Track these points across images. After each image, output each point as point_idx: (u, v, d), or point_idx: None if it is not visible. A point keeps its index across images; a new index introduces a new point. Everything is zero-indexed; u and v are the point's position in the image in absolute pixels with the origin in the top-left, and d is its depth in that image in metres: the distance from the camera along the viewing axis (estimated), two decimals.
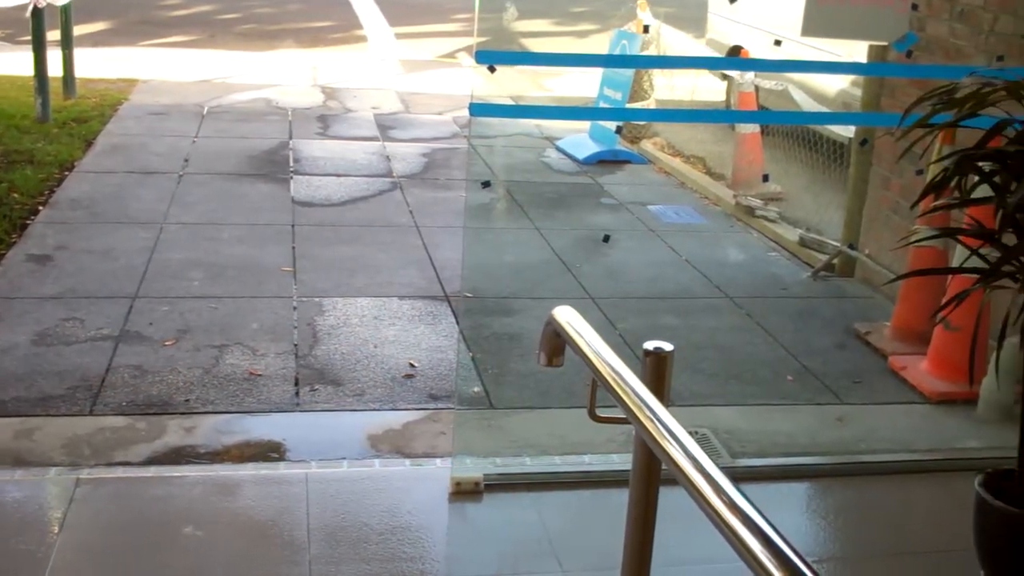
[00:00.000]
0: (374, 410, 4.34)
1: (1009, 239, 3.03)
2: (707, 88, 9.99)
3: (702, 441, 4.05)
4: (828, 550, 3.54)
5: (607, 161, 8.58)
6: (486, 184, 6.98)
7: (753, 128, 7.98)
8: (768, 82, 8.14)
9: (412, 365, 4.73)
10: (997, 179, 3.05)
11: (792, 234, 6.85)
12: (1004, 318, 3.01)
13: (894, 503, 3.82)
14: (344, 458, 3.90)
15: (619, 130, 8.56)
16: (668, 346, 2.18)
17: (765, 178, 7.37)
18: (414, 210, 7.05)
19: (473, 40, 3.70)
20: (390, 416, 4.30)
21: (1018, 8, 4.85)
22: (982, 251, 3.22)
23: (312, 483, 3.64)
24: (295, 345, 4.86)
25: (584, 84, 9.90)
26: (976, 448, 4.19)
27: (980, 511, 3.25)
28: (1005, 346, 3.11)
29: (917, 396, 4.67)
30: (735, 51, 9.43)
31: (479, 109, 3.68)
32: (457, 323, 5.20)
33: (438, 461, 3.88)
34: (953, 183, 3.12)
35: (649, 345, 2.19)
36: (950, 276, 4.52)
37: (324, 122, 9.51)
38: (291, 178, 7.61)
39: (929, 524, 3.69)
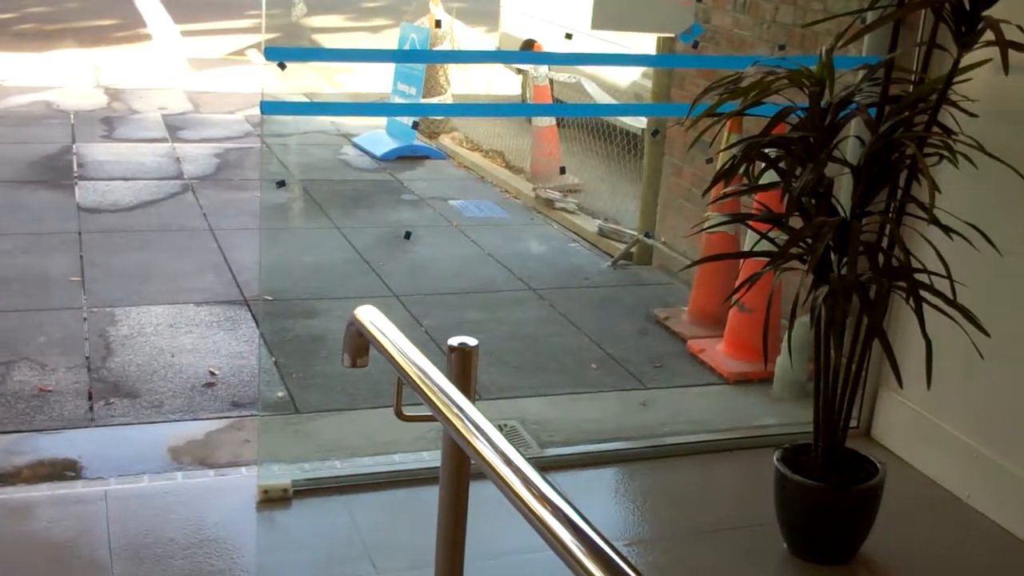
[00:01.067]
0: (174, 421, 4.19)
1: (796, 222, 3.15)
2: (503, 82, 10.07)
3: (511, 433, 4.07)
4: (638, 532, 3.61)
5: (406, 157, 8.54)
6: (281, 183, 6.84)
7: (549, 121, 8.08)
8: (562, 75, 8.25)
9: (212, 373, 4.60)
10: (783, 165, 3.15)
11: (591, 225, 6.97)
12: (794, 298, 3.12)
13: (699, 482, 3.92)
14: (144, 472, 3.74)
15: (416, 125, 8.54)
16: (473, 341, 2.16)
17: (562, 170, 7.48)
18: (208, 213, 6.85)
19: (262, 37, 3.60)
20: (191, 426, 4.16)
21: None
22: (771, 235, 3.33)
23: (112, 500, 3.48)
24: (87, 358, 4.64)
25: (379, 80, 9.83)
26: (773, 425, 4.34)
27: (780, 485, 3.37)
28: (796, 325, 3.22)
29: (716, 377, 4.81)
30: (528, 45, 9.53)
31: (271, 107, 3.59)
32: (258, 327, 5.08)
33: (244, 470, 3.77)
34: (741, 170, 3.21)
35: (454, 341, 2.17)
36: (742, 260, 4.67)
37: (109, 124, 9.14)
38: (76, 184, 7.28)
39: (733, 501, 3.81)
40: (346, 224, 6.79)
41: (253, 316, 5.22)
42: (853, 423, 3.95)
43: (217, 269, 5.84)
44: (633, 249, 6.37)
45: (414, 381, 2.02)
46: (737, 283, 3.48)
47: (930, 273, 3.11)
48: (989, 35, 2.81)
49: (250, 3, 16.15)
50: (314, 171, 8.14)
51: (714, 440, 4.16)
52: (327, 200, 7.35)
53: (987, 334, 3.10)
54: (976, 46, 2.95)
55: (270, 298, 5.38)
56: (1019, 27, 2.95)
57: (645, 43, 5.91)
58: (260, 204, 6.76)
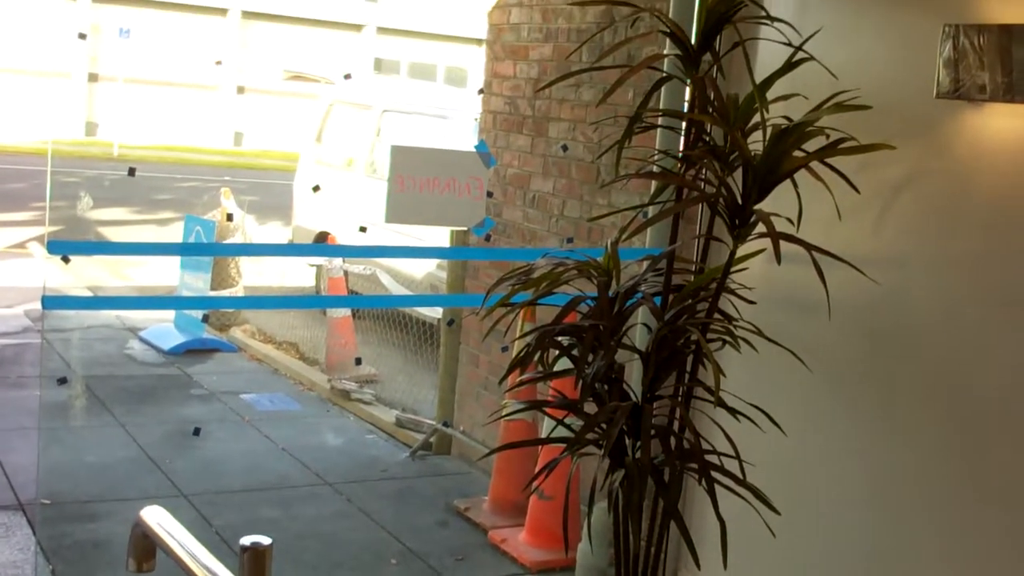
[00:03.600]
0: None
1: (591, 408, 3.19)
2: (297, 273, 10.05)
3: None
4: None
5: (195, 350, 8.33)
6: (62, 380, 6.56)
7: (344, 312, 8.07)
8: (357, 267, 8.30)
9: None
10: (575, 352, 3.21)
11: (389, 415, 6.91)
12: (592, 484, 3.13)
13: None
14: None
15: (205, 318, 8.39)
16: (266, 540, 2.07)
17: (358, 361, 7.44)
18: None
19: (45, 229, 3.50)
20: None
21: (583, 194, 5.27)
22: (567, 421, 3.36)
23: None
24: None
25: (168, 272, 9.66)
26: None
27: None
28: (595, 510, 3.23)
29: (518, 568, 4.75)
30: (322, 237, 9.58)
31: (53, 302, 3.47)
32: (34, 534, 4.76)
33: None
34: (536, 358, 3.25)
35: (246, 540, 2.07)
36: (540, 447, 4.70)
37: None
38: None
39: None
40: (131, 421, 6.52)
41: (29, 522, 4.89)
42: None
43: None
44: (432, 439, 6.32)
45: None
46: (536, 470, 3.48)
47: (720, 454, 3.18)
48: (762, 227, 2.98)
49: (34, 195, 15.77)
50: (97, 366, 7.83)
51: None
52: (111, 396, 7.06)
53: (777, 512, 3.17)
54: (750, 237, 3.11)
55: (47, 502, 5.07)
56: (788, 219, 3.14)
57: (439, 236, 6.02)
58: (40, 402, 6.45)
